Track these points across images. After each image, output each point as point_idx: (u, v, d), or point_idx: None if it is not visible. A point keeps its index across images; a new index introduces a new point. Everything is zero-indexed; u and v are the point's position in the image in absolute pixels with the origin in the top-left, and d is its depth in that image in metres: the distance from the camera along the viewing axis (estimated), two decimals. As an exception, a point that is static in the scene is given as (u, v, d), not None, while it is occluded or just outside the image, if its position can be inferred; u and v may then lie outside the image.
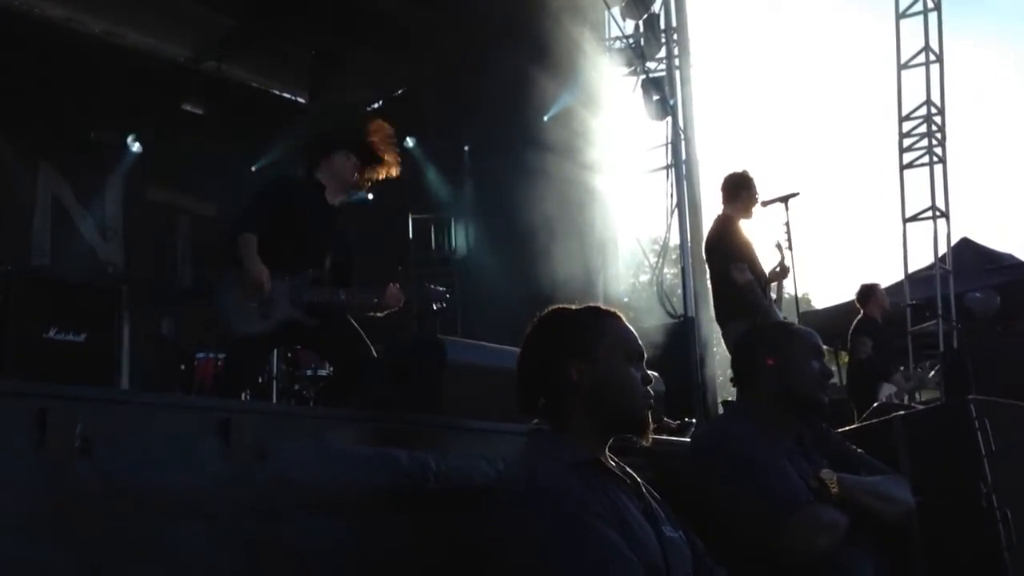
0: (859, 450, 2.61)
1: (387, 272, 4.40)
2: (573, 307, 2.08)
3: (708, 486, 2.37)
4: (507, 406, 2.07)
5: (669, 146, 8.11)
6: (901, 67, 10.88)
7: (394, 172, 4.44)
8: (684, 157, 7.86)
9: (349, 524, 1.84)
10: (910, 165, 10.82)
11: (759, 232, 6.10)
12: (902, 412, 3.01)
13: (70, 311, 5.13)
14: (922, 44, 10.73)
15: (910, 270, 10.80)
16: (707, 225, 6.44)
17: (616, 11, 8.54)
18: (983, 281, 10.44)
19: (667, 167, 8.19)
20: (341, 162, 4.32)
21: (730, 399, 4.00)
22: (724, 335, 5.88)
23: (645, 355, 2.04)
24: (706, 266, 6.25)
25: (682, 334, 7.03)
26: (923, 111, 10.75)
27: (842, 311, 10.62)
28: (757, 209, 5.97)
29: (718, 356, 7.52)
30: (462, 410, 2.45)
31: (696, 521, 2.10)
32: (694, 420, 5.62)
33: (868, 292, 7.77)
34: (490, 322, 7.29)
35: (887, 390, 7.18)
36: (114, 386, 5.35)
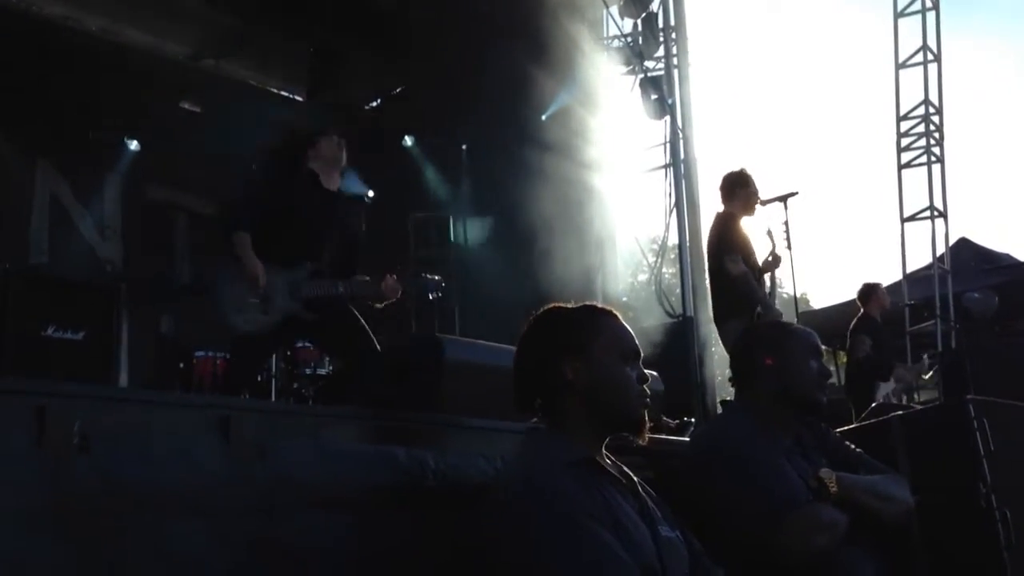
0: (858, 449, 2.61)
1: (386, 269, 4.41)
2: (568, 306, 2.08)
3: (707, 485, 2.37)
4: (505, 404, 2.07)
5: (667, 145, 8.08)
6: (899, 66, 10.89)
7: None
8: (683, 156, 7.85)
9: (348, 522, 1.85)
10: (908, 165, 10.83)
11: (758, 231, 6.11)
12: (900, 412, 3.02)
13: (68, 309, 5.12)
14: (920, 43, 10.73)
15: (908, 270, 10.81)
16: (706, 224, 6.45)
17: (614, 9, 8.53)
18: (981, 281, 10.45)
19: (665, 166, 8.18)
20: (326, 144, 4.38)
21: (729, 399, 4.00)
22: (721, 334, 5.88)
23: (641, 354, 2.04)
24: (706, 265, 6.26)
25: (681, 333, 7.02)
26: (921, 111, 10.76)
27: (840, 311, 10.63)
28: (759, 206, 5.96)
29: (716, 356, 7.52)
30: (461, 408, 2.45)
31: (695, 521, 2.10)
32: (693, 420, 5.61)
33: (870, 291, 7.79)
34: (488, 321, 7.29)
35: (885, 389, 7.19)
36: (113, 384, 5.34)
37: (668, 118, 7.93)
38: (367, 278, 4.34)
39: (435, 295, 4.54)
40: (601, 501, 1.82)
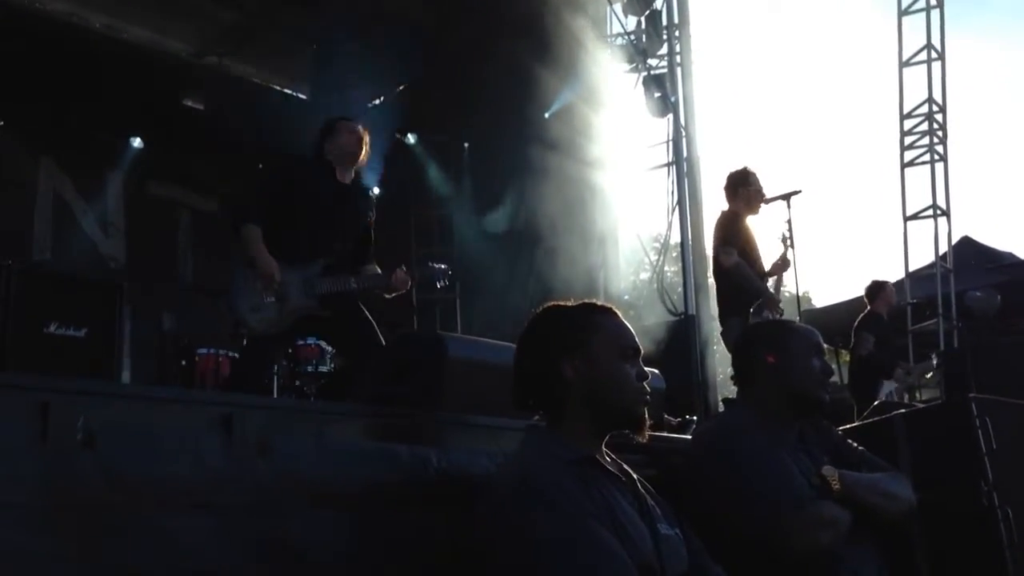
0: (860, 447, 2.61)
1: (390, 265, 4.44)
2: (567, 304, 2.08)
3: (709, 483, 2.37)
4: (508, 402, 2.07)
5: (670, 143, 8.10)
6: (903, 64, 10.85)
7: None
8: (685, 154, 7.86)
9: (350, 519, 1.85)
10: (911, 163, 10.80)
11: (763, 229, 6.11)
12: (903, 410, 3.02)
13: (71, 306, 5.11)
14: (924, 41, 10.69)
15: (911, 268, 10.78)
16: (709, 222, 6.45)
17: (618, 7, 8.54)
18: (984, 280, 10.43)
19: (668, 164, 8.19)
20: (346, 132, 4.37)
21: (731, 396, 4.00)
22: (723, 332, 5.88)
23: (640, 351, 2.04)
24: (710, 263, 6.26)
25: (683, 332, 7.03)
26: (924, 109, 10.72)
27: (843, 309, 10.62)
28: (763, 205, 5.96)
29: (718, 354, 7.52)
30: (463, 406, 2.45)
31: (697, 518, 2.11)
32: (695, 418, 5.62)
33: (877, 288, 7.79)
34: (490, 318, 7.30)
35: (888, 387, 7.18)
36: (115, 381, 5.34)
37: (671, 116, 7.95)
38: (378, 271, 4.36)
39: (442, 283, 4.61)
40: (600, 500, 1.82)
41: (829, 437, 2.60)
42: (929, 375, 7.94)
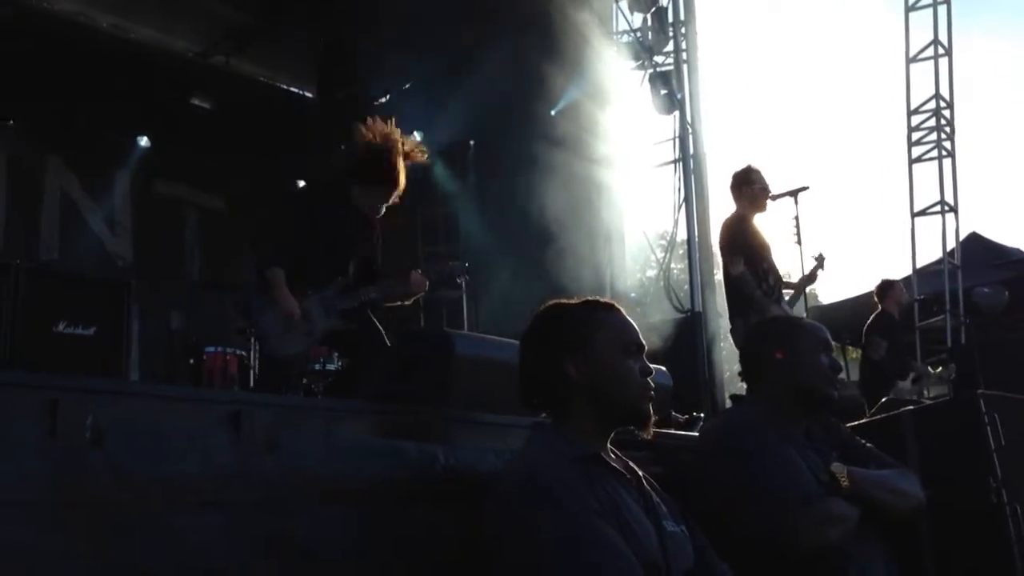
0: (868, 444, 2.60)
1: (398, 265, 4.45)
2: (568, 302, 2.08)
3: (716, 480, 2.37)
4: (515, 399, 2.07)
5: (677, 140, 8.10)
6: (910, 60, 10.82)
7: (420, 157, 4.39)
8: (692, 151, 7.86)
9: (358, 516, 1.85)
10: (919, 159, 10.78)
11: (772, 228, 6.08)
12: (911, 407, 3.01)
13: (79, 305, 5.14)
14: (931, 37, 10.67)
15: (918, 265, 10.78)
16: (715, 219, 6.44)
17: (624, 4, 8.54)
18: (991, 276, 10.40)
19: (675, 161, 8.19)
20: (368, 191, 4.29)
21: (739, 393, 4.00)
22: (732, 330, 5.87)
23: (644, 347, 2.03)
24: (716, 261, 6.26)
25: (689, 329, 7.03)
26: (932, 105, 10.70)
27: (850, 305, 10.62)
28: (769, 201, 5.93)
29: (725, 350, 7.51)
30: (471, 403, 2.45)
31: (705, 515, 2.10)
32: (702, 415, 5.62)
33: (887, 287, 7.76)
34: (497, 315, 7.31)
35: (903, 387, 7.15)
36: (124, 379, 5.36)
37: (677, 113, 7.95)
38: (393, 280, 4.37)
39: (463, 278, 4.66)
40: (605, 497, 1.82)
41: (837, 434, 2.60)
42: (937, 370, 7.92)
